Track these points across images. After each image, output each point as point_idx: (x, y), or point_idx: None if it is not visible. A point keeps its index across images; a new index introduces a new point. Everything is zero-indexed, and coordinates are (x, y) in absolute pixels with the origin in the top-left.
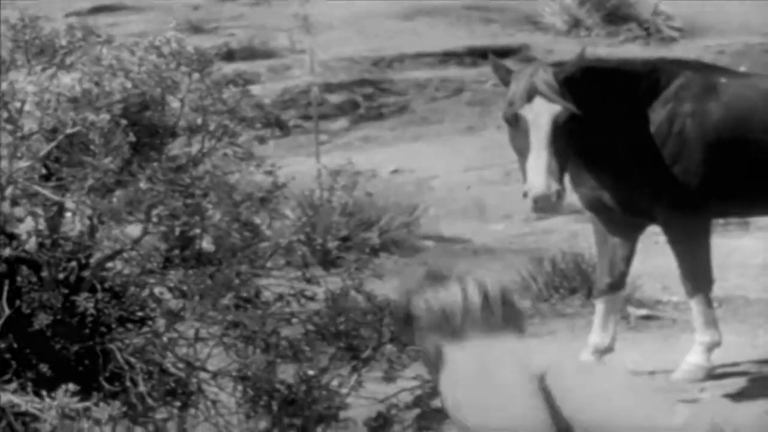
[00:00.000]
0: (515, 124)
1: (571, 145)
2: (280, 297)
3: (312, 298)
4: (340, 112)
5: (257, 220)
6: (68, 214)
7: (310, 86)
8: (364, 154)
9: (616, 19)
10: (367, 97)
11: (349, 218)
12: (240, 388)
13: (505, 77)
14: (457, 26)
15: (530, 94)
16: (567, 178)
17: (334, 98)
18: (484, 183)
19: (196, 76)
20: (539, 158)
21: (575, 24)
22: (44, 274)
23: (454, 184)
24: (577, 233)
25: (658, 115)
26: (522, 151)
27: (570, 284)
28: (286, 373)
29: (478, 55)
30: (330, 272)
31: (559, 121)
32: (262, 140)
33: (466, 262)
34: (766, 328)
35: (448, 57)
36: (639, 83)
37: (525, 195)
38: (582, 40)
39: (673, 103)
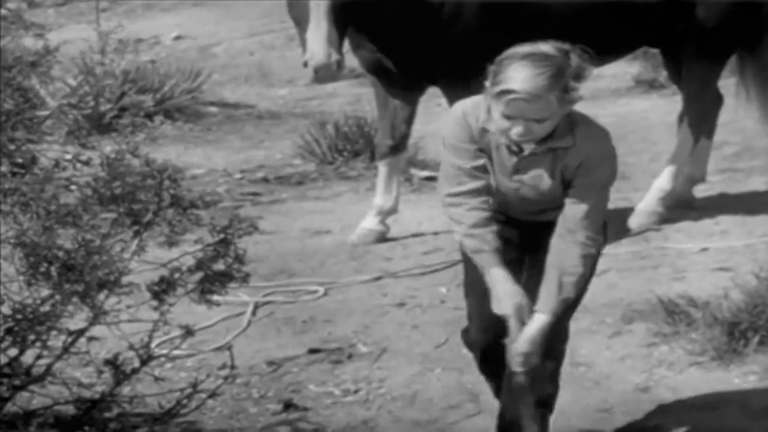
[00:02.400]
0: None
1: (350, 11)
2: (57, 163)
3: (87, 163)
4: None
5: (34, 85)
6: None
7: None
8: (146, 21)
9: None
10: None
11: (132, 85)
12: (19, 255)
13: None
14: None
15: None
16: (346, 42)
17: None
18: (267, 48)
19: None
20: (319, 28)
21: None
22: None
23: (237, 50)
24: (360, 97)
25: None
26: (301, 20)
27: (353, 147)
28: (68, 239)
29: None
30: (105, 137)
31: None
32: (31, 4)
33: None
34: None
35: None
36: None
37: (305, 65)
38: None
39: None
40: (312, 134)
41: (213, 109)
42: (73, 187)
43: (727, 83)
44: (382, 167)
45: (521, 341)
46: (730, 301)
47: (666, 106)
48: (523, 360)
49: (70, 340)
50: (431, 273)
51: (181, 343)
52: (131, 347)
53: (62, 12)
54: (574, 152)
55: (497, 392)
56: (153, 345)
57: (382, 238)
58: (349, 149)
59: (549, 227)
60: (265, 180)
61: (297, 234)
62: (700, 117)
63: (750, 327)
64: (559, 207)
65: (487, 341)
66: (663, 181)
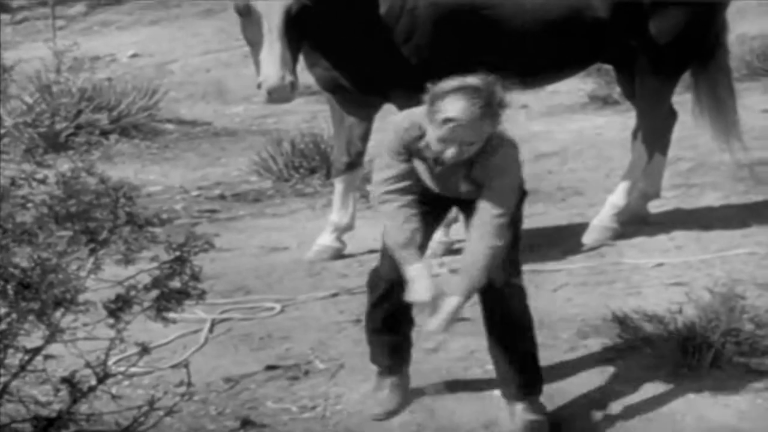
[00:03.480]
0: (247, 14)
1: (304, 31)
2: (13, 181)
3: (43, 182)
4: None
5: None
6: None
7: None
8: (103, 38)
9: None
10: None
11: (88, 103)
12: None
13: None
14: None
15: None
16: (301, 59)
17: None
18: (223, 66)
19: None
20: (272, 50)
21: None
22: None
23: (194, 68)
24: (316, 114)
25: None
26: (254, 42)
27: (310, 164)
28: (24, 257)
29: None
30: (61, 155)
31: (291, 11)
32: None
33: (208, 144)
34: None
35: None
36: None
37: (259, 86)
38: None
39: None
40: (268, 151)
41: (170, 126)
42: (29, 205)
43: (682, 99)
44: (339, 184)
45: (436, 323)
46: (685, 317)
47: (620, 122)
48: (435, 331)
49: (26, 358)
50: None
51: (137, 361)
52: (88, 365)
53: (19, 30)
54: (486, 162)
55: (377, 329)
56: (110, 363)
57: (339, 254)
58: (306, 166)
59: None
60: (222, 197)
61: (254, 251)
62: (654, 133)
63: (704, 342)
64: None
65: (393, 277)
66: (617, 196)
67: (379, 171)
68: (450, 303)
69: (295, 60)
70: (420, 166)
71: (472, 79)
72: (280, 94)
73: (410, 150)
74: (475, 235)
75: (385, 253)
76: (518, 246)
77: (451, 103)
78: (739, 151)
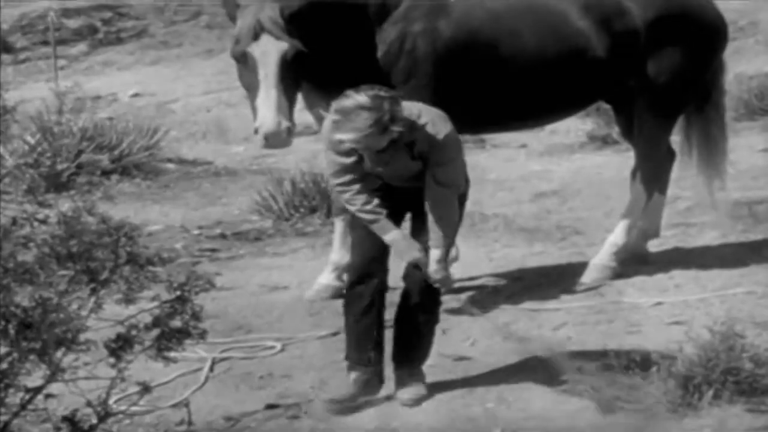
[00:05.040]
0: (243, 61)
1: (301, 74)
2: (14, 221)
3: (45, 221)
4: (78, 36)
5: None
6: None
7: (47, 11)
8: (105, 78)
9: None
10: (105, 22)
11: (89, 143)
12: None
13: (233, 12)
14: None
15: (257, 32)
16: (301, 99)
17: (72, 23)
18: (224, 105)
19: None
20: (268, 96)
21: None
22: None
23: (195, 107)
24: (316, 153)
25: (389, 34)
26: (251, 88)
27: (310, 203)
28: (25, 297)
29: None
30: (62, 195)
31: (287, 57)
32: None
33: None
34: (502, 242)
35: None
36: (368, 6)
37: (256, 132)
38: None
39: (403, 23)
40: (269, 191)
41: (170, 165)
42: (30, 244)
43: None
44: (339, 223)
45: (435, 270)
46: (684, 355)
47: (619, 162)
48: (441, 280)
49: (27, 397)
50: (388, 327)
51: (138, 400)
52: (89, 404)
53: (21, 70)
54: (424, 139)
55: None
56: (111, 402)
57: (339, 293)
58: (306, 205)
59: (419, 190)
60: (223, 236)
61: (254, 290)
62: (653, 173)
63: (704, 381)
64: (422, 178)
65: (365, 267)
66: (617, 236)
67: (329, 167)
68: (435, 254)
69: (292, 104)
70: (367, 158)
71: (362, 98)
72: (276, 140)
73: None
74: (435, 198)
75: (355, 243)
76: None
77: (345, 123)
78: (722, 190)
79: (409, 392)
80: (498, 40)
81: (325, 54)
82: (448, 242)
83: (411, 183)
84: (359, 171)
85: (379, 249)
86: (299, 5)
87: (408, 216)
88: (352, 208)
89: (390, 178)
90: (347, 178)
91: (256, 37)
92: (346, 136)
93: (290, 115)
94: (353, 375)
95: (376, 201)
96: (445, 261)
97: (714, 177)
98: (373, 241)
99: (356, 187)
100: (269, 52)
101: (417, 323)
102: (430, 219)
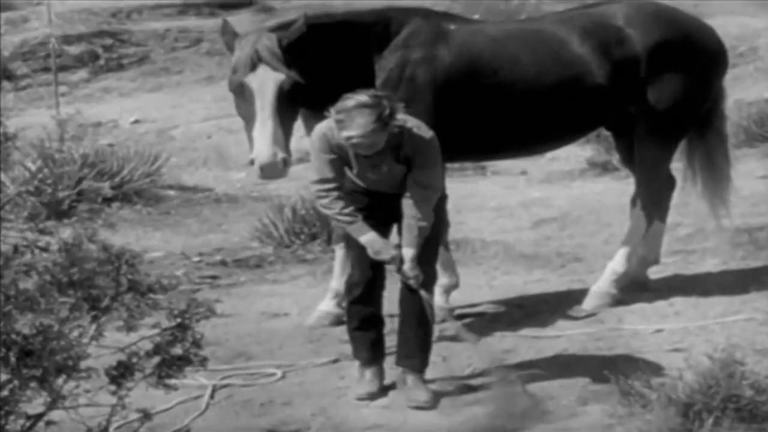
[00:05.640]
0: (240, 92)
1: (300, 103)
2: (16, 249)
3: (46, 249)
4: (79, 63)
5: None
6: None
7: (48, 38)
8: (105, 105)
9: None
10: (106, 48)
11: (90, 169)
12: None
13: (231, 42)
14: None
15: (254, 63)
16: (301, 126)
17: (73, 50)
18: (225, 132)
19: None
20: (264, 127)
21: None
22: None
23: (195, 133)
24: None
25: (389, 62)
26: (248, 118)
27: (310, 230)
28: (26, 324)
29: (216, 5)
30: (63, 222)
31: (284, 88)
32: None
33: (209, 210)
34: (502, 269)
35: (186, 7)
36: (368, 33)
37: (252, 163)
38: None
39: (403, 51)
40: (269, 217)
41: (171, 192)
42: (31, 272)
43: (681, 166)
44: (339, 250)
45: (408, 267)
46: (685, 382)
47: (619, 189)
48: (414, 277)
49: (28, 424)
50: (388, 355)
51: (139, 427)
52: (89, 431)
53: (22, 97)
54: (408, 144)
55: (362, 323)
56: (111, 429)
57: (339, 320)
58: (307, 232)
59: (400, 197)
60: (223, 263)
61: (255, 317)
62: (653, 199)
63: (704, 408)
64: (404, 184)
65: (366, 279)
66: (617, 263)
67: (316, 173)
68: (408, 252)
69: (288, 135)
70: (356, 164)
71: (363, 97)
72: (272, 171)
73: (335, 151)
74: (414, 200)
75: (354, 262)
76: (437, 249)
77: (350, 120)
78: (726, 217)
79: (414, 394)
80: (498, 68)
81: (324, 82)
82: (420, 242)
83: (393, 190)
84: (339, 180)
85: (376, 266)
86: (296, 35)
87: (395, 229)
88: (330, 212)
89: (374, 184)
90: (328, 186)
91: (253, 67)
92: (354, 132)
93: (286, 146)
94: (369, 370)
95: (352, 207)
96: (416, 260)
97: (718, 204)
98: (370, 258)
99: (336, 193)
100: (266, 83)
101: (415, 333)
102: (406, 218)
